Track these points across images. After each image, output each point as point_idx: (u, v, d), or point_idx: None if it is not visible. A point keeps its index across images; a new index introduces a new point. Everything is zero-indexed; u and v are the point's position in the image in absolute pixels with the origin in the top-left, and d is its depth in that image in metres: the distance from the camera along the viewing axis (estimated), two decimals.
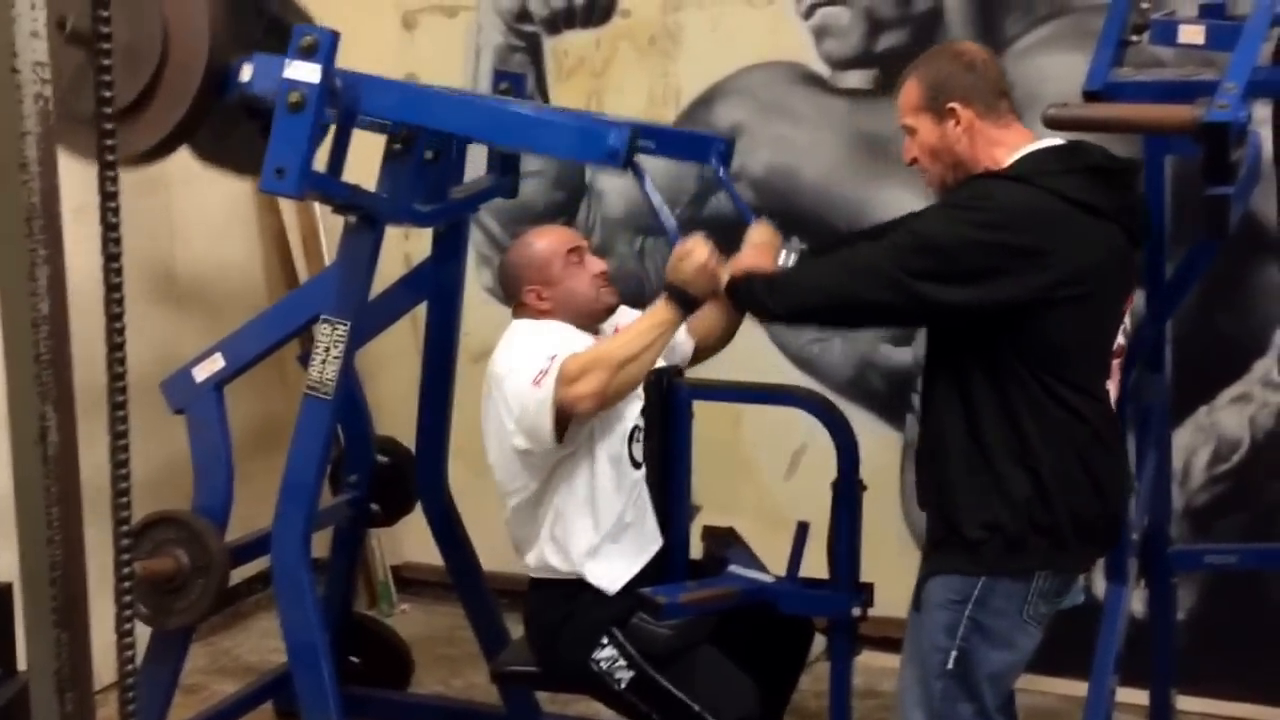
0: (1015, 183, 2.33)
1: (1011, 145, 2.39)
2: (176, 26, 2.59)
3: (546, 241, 2.88)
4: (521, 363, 2.67)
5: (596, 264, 2.90)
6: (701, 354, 3.07)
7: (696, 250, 2.57)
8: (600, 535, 2.72)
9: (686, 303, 2.61)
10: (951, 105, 2.38)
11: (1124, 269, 2.42)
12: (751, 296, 2.55)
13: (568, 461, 2.72)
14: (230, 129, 2.86)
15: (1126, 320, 2.47)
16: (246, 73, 2.62)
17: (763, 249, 2.67)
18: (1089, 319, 2.35)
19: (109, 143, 1.24)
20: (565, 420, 2.63)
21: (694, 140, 3.04)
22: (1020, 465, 2.33)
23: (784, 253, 2.71)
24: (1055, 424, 2.33)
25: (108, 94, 1.24)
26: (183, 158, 2.87)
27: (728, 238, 2.76)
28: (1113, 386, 2.45)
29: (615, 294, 2.89)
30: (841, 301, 2.41)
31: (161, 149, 2.69)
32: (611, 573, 2.72)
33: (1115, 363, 2.45)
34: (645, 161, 2.72)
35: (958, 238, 2.29)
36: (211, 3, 2.63)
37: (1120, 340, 2.45)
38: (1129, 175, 2.43)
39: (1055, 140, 2.40)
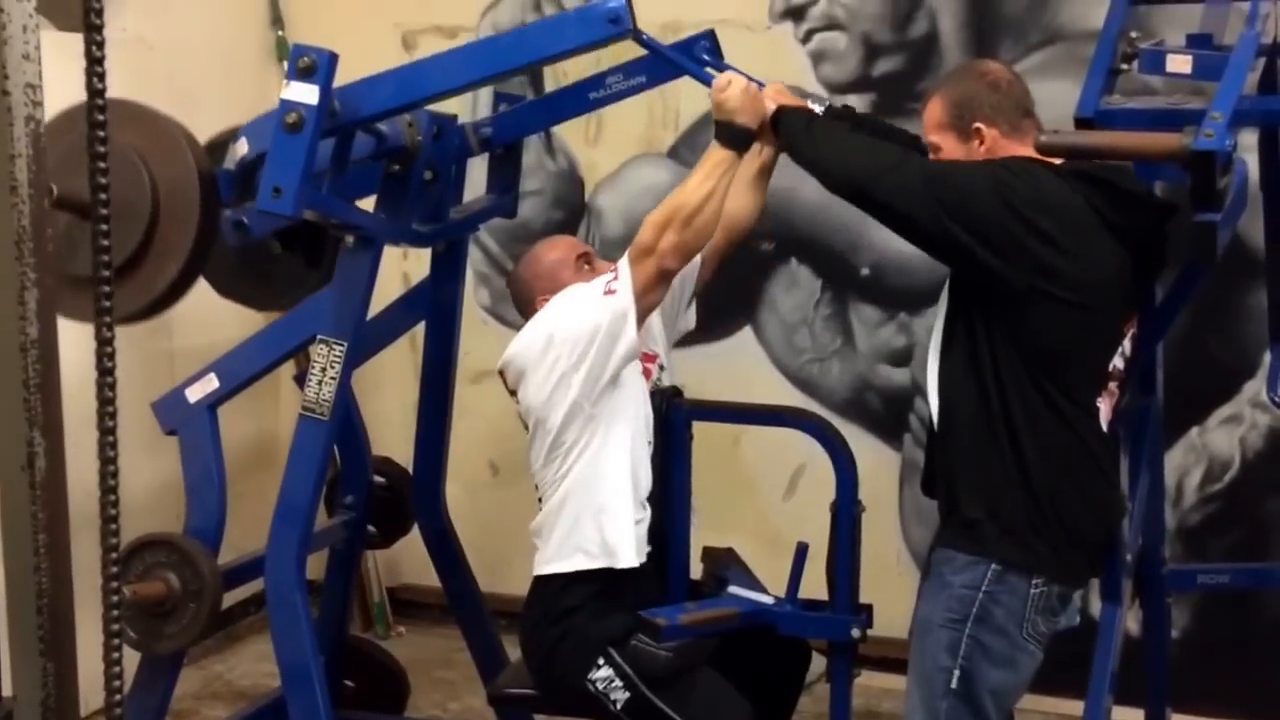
0: (1055, 175, 2.36)
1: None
2: (165, 182, 2.62)
3: (555, 251, 2.92)
4: (570, 307, 2.69)
5: (606, 268, 2.88)
6: (722, 253, 3.02)
7: (734, 79, 2.62)
8: (639, 507, 2.71)
9: (738, 136, 2.63)
10: (977, 125, 2.43)
11: (1126, 291, 2.44)
12: (793, 128, 2.59)
13: (616, 422, 2.70)
14: (268, 268, 2.93)
15: (1126, 344, 2.48)
16: (243, 147, 2.66)
17: (782, 93, 2.70)
18: (1085, 330, 2.38)
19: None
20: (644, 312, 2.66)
21: (679, 50, 3.00)
22: (1017, 468, 2.36)
23: (810, 102, 2.74)
24: (1048, 433, 2.36)
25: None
26: None
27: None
28: (1106, 407, 2.46)
29: None
30: (863, 186, 2.43)
31: (162, 303, 2.71)
32: (639, 546, 2.70)
33: (1112, 385, 2.47)
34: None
35: (994, 196, 2.31)
36: (198, 155, 2.66)
37: (1118, 363, 2.46)
38: (1154, 210, 2.46)
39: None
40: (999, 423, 2.36)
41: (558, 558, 2.74)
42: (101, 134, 1.22)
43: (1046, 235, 2.30)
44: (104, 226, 1.23)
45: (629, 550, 2.67)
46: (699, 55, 2.92)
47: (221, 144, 2.86)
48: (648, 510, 2.74)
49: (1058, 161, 2.39)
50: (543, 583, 2.78)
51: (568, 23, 2.71)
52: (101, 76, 1.24)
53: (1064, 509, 2.38)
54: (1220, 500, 3.72)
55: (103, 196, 1.22)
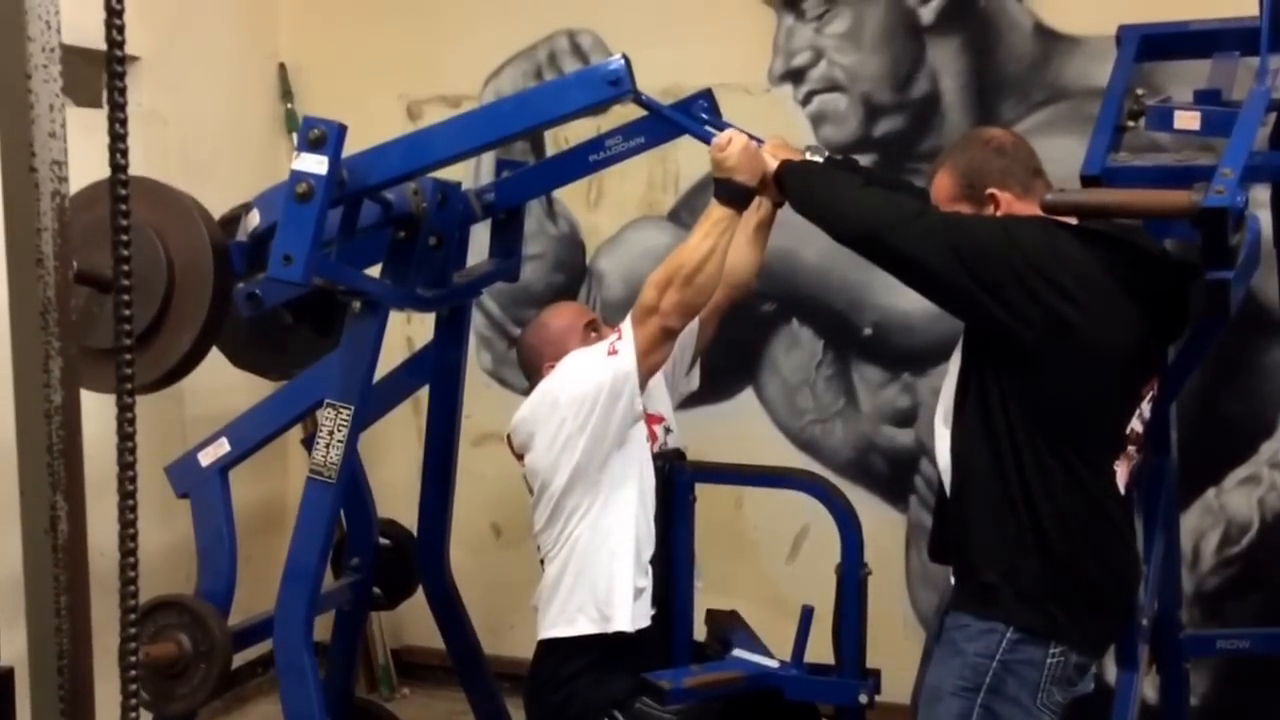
0: (1071, 234, 2.34)
1: None
2: (180, 256, 2.69)
3: (562, 319, 2.96)
4: (576, 370, 2.73)
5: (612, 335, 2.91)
6: (722, 310, 3.04)
7: (735, 137, 2.63)
8: (641, 573, 2.71)
9: (737, 194, 2.64)
10: (990, 191, 2.41)
11: (1144, 353, 2.40)
12: (801, 181, 2.58)
13: (619, 486, 2.72)
14: (280, 338, 2.99)
15: (1145, 407, 2.44)
16: (255, 219, 2.71)
17: (782, 147, 2.72)
18: (1101, 390, 2.34)
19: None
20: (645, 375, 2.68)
21: (679, 110, 3.01)
22: (1034, 533, 2.32)
23: (808, 153, 2.77)
24: (1065, 499, 2.32)
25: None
26: None
27: None
28: (1123, 470, 2.42)
29: None
30: (880, 235, 2.38)
31: (176, 373, 2.76)
32: (636, 614, 2.70)
33: (1130, 448, 2.43)
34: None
35: (1008, 246, 2.29)
36: (212, 230, 2.74)
37: (1136, 426, 2.42)
38: (1171, 272, 2.43)
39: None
40: (1015, 486, 2.32)
41: (560, 621, 2.74)
42: (124, 208, 1.25)
43: (1060, 288, 2.27)
44: (126, 297, 1.25)
45: (624, 616, 2.68)
46: (697, 115, 2.94)
47: (235, 219, 2.91)
48: (650, 576, 2.74)
49: (1073, 222, 2.37)
50: (547, 648, 2.79)
51: (569, 86, 2.75)
52: (124, 153, 1.26)
53: (1083, 574, 2.34)
54: (1239, 563, 3.65)
55: (125, 268, 1.25)
